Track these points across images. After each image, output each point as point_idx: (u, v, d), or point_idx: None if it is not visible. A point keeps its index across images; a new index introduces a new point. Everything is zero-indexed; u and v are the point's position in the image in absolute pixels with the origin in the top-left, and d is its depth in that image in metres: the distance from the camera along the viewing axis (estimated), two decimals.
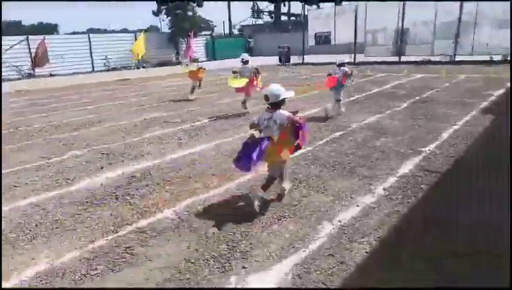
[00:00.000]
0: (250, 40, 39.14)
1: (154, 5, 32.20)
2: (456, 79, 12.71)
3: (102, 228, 3.53)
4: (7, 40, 21.69)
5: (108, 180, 4.81)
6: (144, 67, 24.46)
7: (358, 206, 3.76)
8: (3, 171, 5.26)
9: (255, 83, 8.41)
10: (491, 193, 3.91)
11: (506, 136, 5.89)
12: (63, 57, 23.88)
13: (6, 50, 21.26)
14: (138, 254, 3.07)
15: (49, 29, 64.95)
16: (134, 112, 9.81)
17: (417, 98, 9.53)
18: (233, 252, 3.03)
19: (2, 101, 12.31)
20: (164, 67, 25.87)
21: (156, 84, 16.44)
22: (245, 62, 8.59)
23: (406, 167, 4.75)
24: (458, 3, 18.78)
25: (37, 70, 22.26)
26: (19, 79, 21.52)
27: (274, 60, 24.92)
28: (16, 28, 51.29)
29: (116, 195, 4.31)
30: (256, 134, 3.83)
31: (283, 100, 3.77)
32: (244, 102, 8.68)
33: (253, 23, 48.57)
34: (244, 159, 3.61)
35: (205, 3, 32.32)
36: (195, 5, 31.53)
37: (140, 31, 25.68)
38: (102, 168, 5.32)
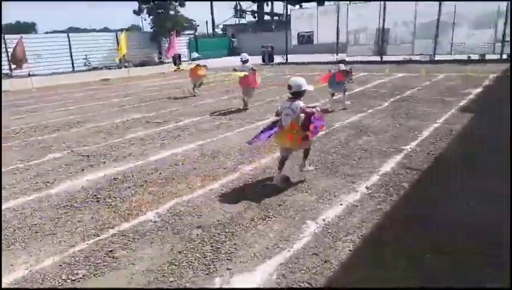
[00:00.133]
0: (233, 39, 39.05)
1: (135, 4, 31.80)
2: (436, 78, 12.98)
3: (83, 232, 3.46)
4: None
5: (89, 183, 4.72)
6: (125, 67, 24.08)
7: (341, 204, 3.79)
8: None
9: (255, 79, 8.88)
10: (470, 190, 3.99)
11: (484, 134, 6.05)
12: (41, 57, 23.30)
13: None
14: (120, 257, 3.02)
15: (27, 28, 63.34)
16: (116, 112, 9.65)
17: (398, 96, 9.69)
18: (218, 253, 3.01)
19: None
20: (146, 67, 25.57)
21: (137, 84, 16.23)
22: (244, 61, 9.03)
23: (388, 165, 4.82)
24: (437, 4, 19.17)
25: (15, 71, 21.62)
26: None
27: (257, 59, 24.89)
28: None
29: (98, 198, 4.23)
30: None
31: (303, 91, 4.14)
32: (247, 97, 9.09)
33: (236, 22, 48.48)
34: (258, 136, 4.20)
35: (187, 2, 32.06)
36: (177, 4, 31.24)
37: (121, 30, 25.27)
38: (83, 170, 5.22)
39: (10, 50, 20.92)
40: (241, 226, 3.42)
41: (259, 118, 8.03)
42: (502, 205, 3.61)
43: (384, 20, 20.74)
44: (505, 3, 17.76)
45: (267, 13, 46.04)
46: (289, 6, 28.37)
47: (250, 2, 45.97)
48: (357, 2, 22.63)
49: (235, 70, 9.28)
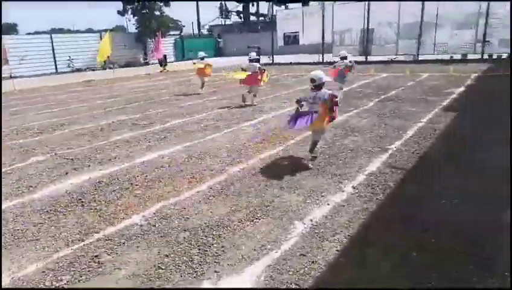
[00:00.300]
0: (219, 40, 38.96)
1: (119, 5, 31.42)
2: (420, 78, 13.19)
3: (68, 237, 3.39)
4: None
5: (73, 187, 4.63)
6: (110, 68, 23.78)
7: (329, 204, 3.81)
8: None
9: (259, 77, 9.26)
10: (453, 188, 4.06)
11: (466, 133, 6.16)
12: (23, 58, 22.82)
13: None
14: (106, 262, 2.97)
15: (8, 29, 61.91)
16: (101, 114, 9.51)
17: (383, 96, 9.81)
18: (205, 256, 2.99)
19: None
20: (131, 68, 25.30)
21: (123, 86, 16.04)
22: (252, 60, 9.43)
23: (374, 165, 4.87)
24: (419, 4, 19.48)
25: None
26: None
27: (244, 60, 24.81)
28: None
29: (82, 202, 4.16)
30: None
31: (324, 83, 4.84)
32: (251, 94, 9.53)
33: (222, 23, 48.37)
34: (295, 122, 4.77)
35: (173, 3, 31.83)
36: (162, 4, 31.00)
37: (105, 30, 24.97)
38: (66, 173, 5.12)
39: None
40: (228, 228, 3.40)
41: (247, 118, 8.03)
42: (485, 203, 3.69)
43: (368, 20, 20.97)
44: (485, 5, 18.16)
45: (252, 14, 46.07)
46: (275, 7, 28.45)
47: (235, 3, 45.93)
48: (342, 1, 22.77)
49: (242, 69, 9.53)
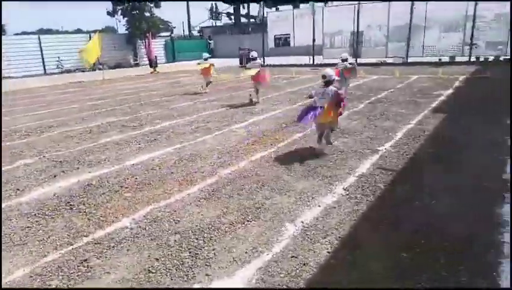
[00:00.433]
0: (210, 41, 38.87)
1: (109, 5, 31.16)
2: (409, 80, 13.33)
3: (56, 241, 3.34)
4: None
5: (61, 190, 4.57)
6: (100, 69, 23.55)
7: (319, 206, 3.82)
8: None
9: (265, 75, 10.03)
10: (442, 189, 4.11)
11: (455, 134, 6.24)
12: (10, 59, 22.48)
13: None
14: (95, 266, 2.93)
15: None
16: (90, 116, 9.41)
17: (373, 98, 9.88)
18: (196, 259, 2.97)
19: None
20: (121, 69, 25.10)
21: (112, 87, 15.89)
22: (253, 59, 10.20)
23: (364, 167, 4.90)
24: (409, 7, 19.70)
25: None
26: None
27: (235, 61, 24.86)
28: None
29: (71, 205, 4.10)
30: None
31: (333, 80, 5.42)
32: (256, 91, 10.10)
33: (213, 24, 48.28)
34: (305, 117, 5.25)
35: (163, 3, 31.63)
36: (152, 5, 30.81)
37: (95, 31, 24.71)
38: (55, 176, 5.05)
39: None
40: (219, 231, 3.39)
41: (238, 120, 8.02)
42: (474, 203, 3.74)
43: (358, 23, 21.15)
44: (472, 7, 18.46)
45: (243, 15, 46.06)
46: (265, 9, 28.51)
47: (226, 4, 45.86)
48: (332, 3, 22.96)
49: (247, 68, 10.18)
